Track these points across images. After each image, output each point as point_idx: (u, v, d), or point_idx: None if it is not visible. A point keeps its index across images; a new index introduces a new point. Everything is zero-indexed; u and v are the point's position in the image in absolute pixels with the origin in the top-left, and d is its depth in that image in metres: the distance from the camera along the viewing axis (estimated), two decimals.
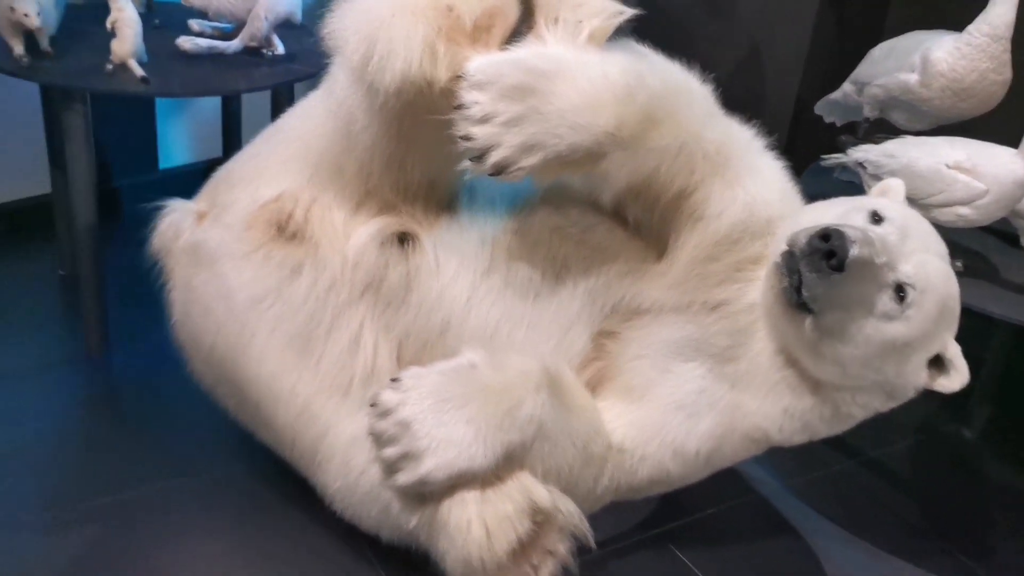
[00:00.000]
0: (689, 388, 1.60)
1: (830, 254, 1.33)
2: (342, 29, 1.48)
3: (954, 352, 1.48)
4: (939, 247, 1.48)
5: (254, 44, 2.24)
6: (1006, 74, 2.05)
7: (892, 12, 2.97)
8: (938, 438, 2.36)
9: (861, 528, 2.00)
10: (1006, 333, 2.37)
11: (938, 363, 1.49)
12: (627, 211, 1.62)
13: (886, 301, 1.40)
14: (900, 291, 1.40)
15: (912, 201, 1.86)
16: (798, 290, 1.38)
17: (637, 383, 1.62)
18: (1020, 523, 2.08)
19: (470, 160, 1.42)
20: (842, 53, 2.50)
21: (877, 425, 2.27)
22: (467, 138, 1.40)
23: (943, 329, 1.45)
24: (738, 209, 1.54)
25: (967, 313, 1.82)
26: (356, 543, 1.72)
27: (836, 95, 2.48)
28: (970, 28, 2.04)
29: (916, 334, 1.42)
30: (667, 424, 1.60)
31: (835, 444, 2.21)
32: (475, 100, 1.38)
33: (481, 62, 1.39)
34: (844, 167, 2.12)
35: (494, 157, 1.40)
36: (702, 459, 1.62)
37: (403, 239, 1.64)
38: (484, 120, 1.38)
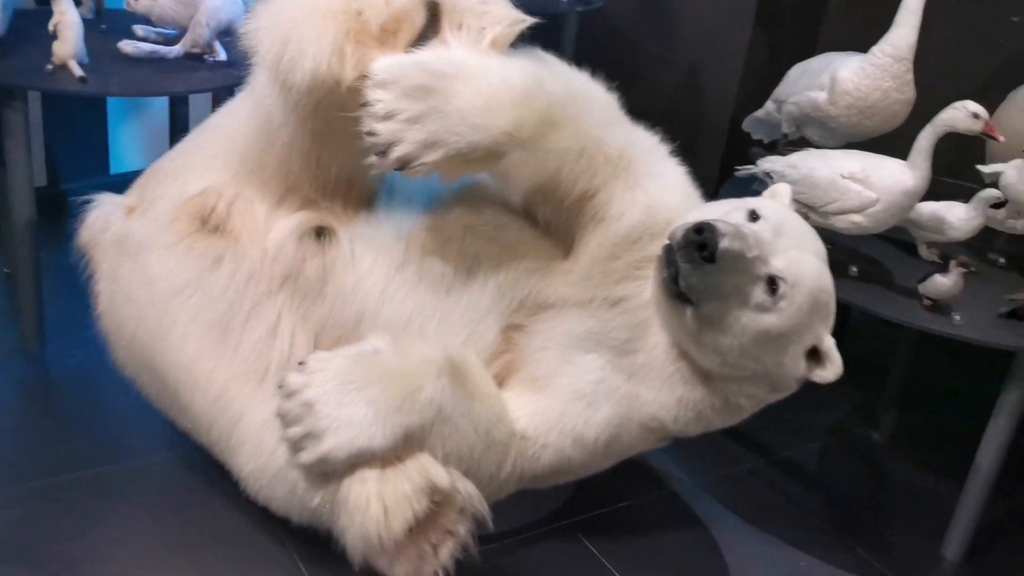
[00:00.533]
0: (589, 378, 1.68)
1: (702, 246, 1.42)
2: (258, 30, 1.56)
3: (829, 345, 1.55)
4: (815, 246, 1.56)
5: (196, 50, 2.31)
6: (908, 93, 2.16)
7: (823, 34, 3.10)
8: (848, 440, 2.45)
9: (766, 522, 2.08)
10: (910, 343, 2.47)
11: (816, 355, 1.57)
12: (537, 211, 1.70)
13: (759, 293, 1.47)
14: (772, 284, 1.47)
15: (811, 209, 1.96)
16: (675, 280, 1.47)
17: (541, 373, 1.70)
18: (917, 520, 2.17)
19: (375, 155, 1.50)
20: (774, 74, 2.60)
21: (790, 427, 2.38)
22: (371, 134, 1.48)
23: (816, 322, 1.53)
24: (638, 211, 1.62)
25: (874, 323, 1.90)
26: (271, 526, 1.77)
27: (760, 113, 2.58)
28: (874, 49, 2.14)
29: (789, 325, 1.50)
30: (567, 413, 1.67)
31: (747, 443, 2.31)
32: (379, 98, 1.46)
33: (386, 63, 1.47)
34: (758, 178, 2.21)
35: (397, 152, 1.48)
36: (601, 447, 1.69)
37: (320, 233, 1.71)
38: (387, 117, 1.47)
